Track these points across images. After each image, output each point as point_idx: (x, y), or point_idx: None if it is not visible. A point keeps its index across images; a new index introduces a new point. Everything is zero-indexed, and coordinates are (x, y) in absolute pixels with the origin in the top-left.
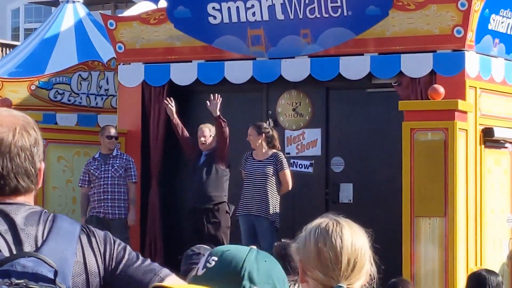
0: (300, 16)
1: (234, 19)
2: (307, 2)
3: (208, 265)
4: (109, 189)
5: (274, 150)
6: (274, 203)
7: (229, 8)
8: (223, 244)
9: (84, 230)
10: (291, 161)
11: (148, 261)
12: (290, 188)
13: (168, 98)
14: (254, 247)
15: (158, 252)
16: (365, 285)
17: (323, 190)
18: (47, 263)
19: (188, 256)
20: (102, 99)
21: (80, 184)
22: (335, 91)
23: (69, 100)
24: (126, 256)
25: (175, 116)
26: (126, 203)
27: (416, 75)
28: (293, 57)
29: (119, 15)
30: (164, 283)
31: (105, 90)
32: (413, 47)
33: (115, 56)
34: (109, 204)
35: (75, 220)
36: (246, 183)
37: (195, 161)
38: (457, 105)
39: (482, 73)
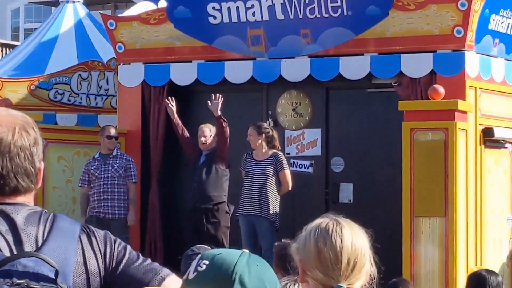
0: (300, 16)
1: (234, 19)
2: (307, 2)
3: (199, 268)
4: (109, 189)
5: (274, 150)
6: (274, 203)
7: (229, 8)
8: (222, 244)
9: (84, 230)
10: (291, 161)
11: (149, 260)
12: (290, 188)
13: (169, 98)
14: (246, 250)
15: (158, 252)
16: (365, 285)
17: (323, 190)
18: (48, 263)
19: (188, 256)
20: (102, 99)
21: (80, 184)
22: (335, 91)
23: (69, 100)
24: (127, 256)
25: (176, 116)
26: (126, 203)
27: (416, 75)
28: (293, 57)
29: (119, 15)
30: None
31: (105, 90)
32: (413, 47)
33: (115, 56)
34: (109, 204)
35: (75, 220)
36: (246, 183)
37: (195, 161)
38: (457, 105)
39: (482, 73)
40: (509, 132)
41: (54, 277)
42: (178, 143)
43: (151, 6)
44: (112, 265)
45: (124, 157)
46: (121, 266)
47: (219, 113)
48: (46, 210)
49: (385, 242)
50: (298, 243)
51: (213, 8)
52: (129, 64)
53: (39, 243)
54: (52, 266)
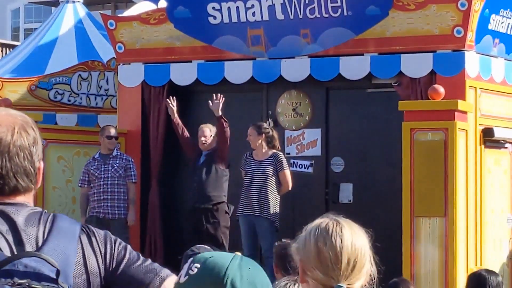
0: (300, 16)
1: (234, 19)
2: (307, 2)
3: (190, 272)
4: (109, 189)
5: (274, 150)
6: (274, 203)
7: (229, 8)
8: (222, 244)
9: (84, 230)
10: (291, 161)
11: (149, 261)
12: (290, 188)
13: (170, 97)
14: (239, 253)
15: (158, 252)
16: (365, 285)
17: (323, 190)
18: (49, 263)
19: (188, 256)
20: (102, 99)
21: (80, 184)
22: (335, 91)
23: (69, 100)
24: (127, 256)
25: (176, 115)
26: (126, 203)
27: (416, 75)
28: (293, 57)
29: (119, 15)
30: None
31: (105, 90)
32: (413, 47)
33: (115, 56)
34: (109, 204)
35: (75, 220)
36: (246, 183)
37: (195, 161)
38: (457, 105)
39: (482, 73)
40: (509, 132)
41: (55, 277)
42: (178, 143)
43: (151, 6)
44: (112, 265)
45: (124, 157)
46: (122, 266)
47: (220, 113)
48: (46, 210)
49: (385, 242)
50: (298, 243)
51: (213, 8)
52: (129, 64)
53: (40, 243)
54: (53, 266)
